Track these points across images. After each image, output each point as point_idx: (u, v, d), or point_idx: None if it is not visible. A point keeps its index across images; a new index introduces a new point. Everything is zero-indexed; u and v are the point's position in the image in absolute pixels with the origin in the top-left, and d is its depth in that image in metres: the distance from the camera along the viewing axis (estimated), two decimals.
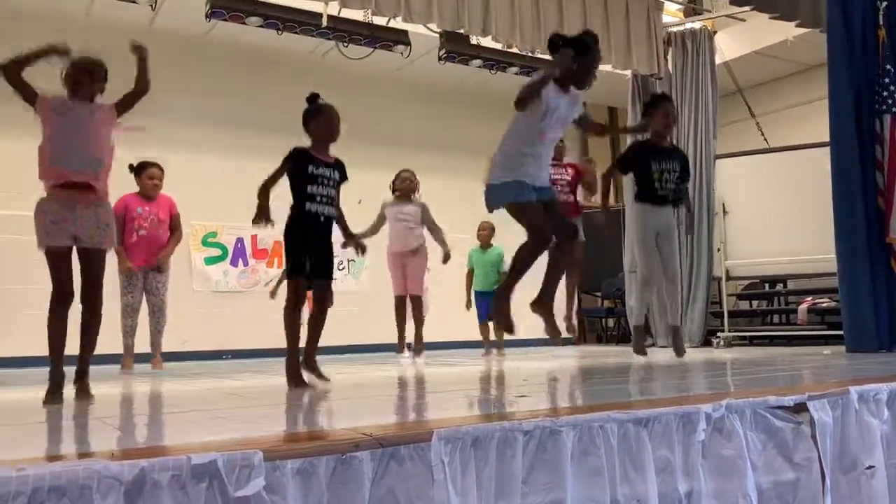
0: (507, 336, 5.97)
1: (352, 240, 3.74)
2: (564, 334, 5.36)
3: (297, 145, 3.49)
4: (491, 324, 6.48)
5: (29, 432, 2.16)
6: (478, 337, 6.58)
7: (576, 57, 3.54)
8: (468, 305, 6.38)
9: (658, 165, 4.69)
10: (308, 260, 3.41)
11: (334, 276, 3.63)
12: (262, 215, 3.37)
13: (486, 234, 6.31)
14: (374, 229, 5.79)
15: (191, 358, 6.65)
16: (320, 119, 3.50)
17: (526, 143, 3.51)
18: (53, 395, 2.88)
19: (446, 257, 5.80)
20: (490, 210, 3.63)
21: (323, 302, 3.49)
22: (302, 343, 3.49)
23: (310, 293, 3.55)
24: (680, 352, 5.06)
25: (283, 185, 3.48)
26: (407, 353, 5.83)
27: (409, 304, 5.84)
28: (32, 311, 6.38)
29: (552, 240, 3.53)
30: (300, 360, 3.44)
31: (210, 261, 7.73)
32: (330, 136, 3.51)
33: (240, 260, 7.88)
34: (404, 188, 5.77)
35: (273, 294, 6.23)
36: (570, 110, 3.63)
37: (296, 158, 3.43)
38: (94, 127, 3.09)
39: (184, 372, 5.10)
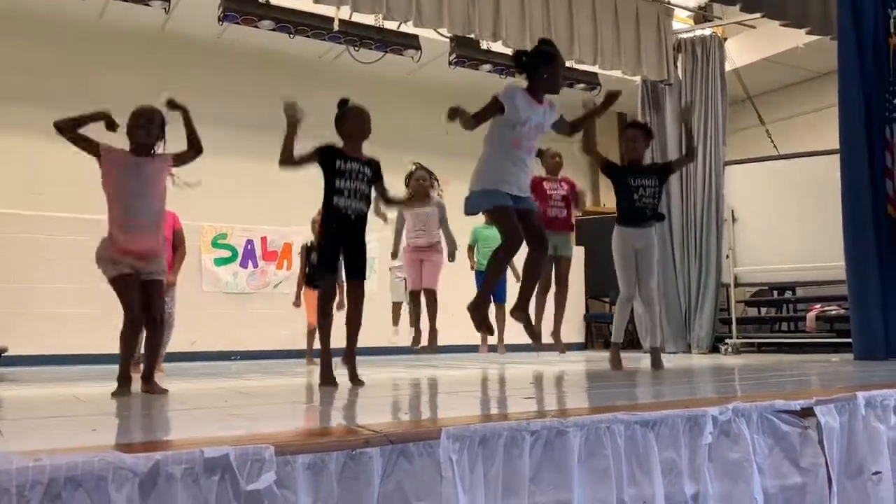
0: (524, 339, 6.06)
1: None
2: (551, 348, 5.55)
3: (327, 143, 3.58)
4: (493, 314, 6.56)
5: (46, 425, 2.20)
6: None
7: (542, 67, 3.65)
8: (473, 267, 6.59)
9: (634, 181, 4.88)
10: (341, 257, 3.49)
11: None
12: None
13: (489, 215, 6.33)
14: (398, 236, 5.85)
15: (199, 359, 6.68)
16: (351, 117, 3.63)
17: (503, 151, 3.59)
18: (121, 392, 3.14)
19: (451, 255, 5.84)
20: (467, 213, 3.76)
21: (357, 300, 3.53)
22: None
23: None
24: (656, 368, 5.01)
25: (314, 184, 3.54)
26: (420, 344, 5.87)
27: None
28: (45, 309, 6.54)
29: (521, 243, 3.63)
30: (332, 358, 3.52)
31: (220, 262, 7.77)
32: (361, 134, 3.63)
33: (249, 262, 7.92)
34: (420, 190, 5.72)
35: (297, 303, 6.32)
36: (544, 118, 3.69)
37: (324, 153, 3.51)
38: (154, 180, 3.28)
39: (193, 372, 5.13)
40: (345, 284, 3.61)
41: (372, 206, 3.74)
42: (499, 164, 3.58)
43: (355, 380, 3.48)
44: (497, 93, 3.62)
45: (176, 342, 5.73)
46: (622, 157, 5.23)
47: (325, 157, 3.51)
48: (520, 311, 3.78)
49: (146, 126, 3.25)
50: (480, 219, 6.54)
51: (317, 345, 6.35)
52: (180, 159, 3.38)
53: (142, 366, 3.38)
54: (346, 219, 3.47)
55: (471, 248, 6.69)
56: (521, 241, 3.60)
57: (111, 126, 3.23)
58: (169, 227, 5.44)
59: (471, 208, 3.74)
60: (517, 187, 3.61)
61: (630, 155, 5.10)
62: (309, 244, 6.30)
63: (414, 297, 5.88)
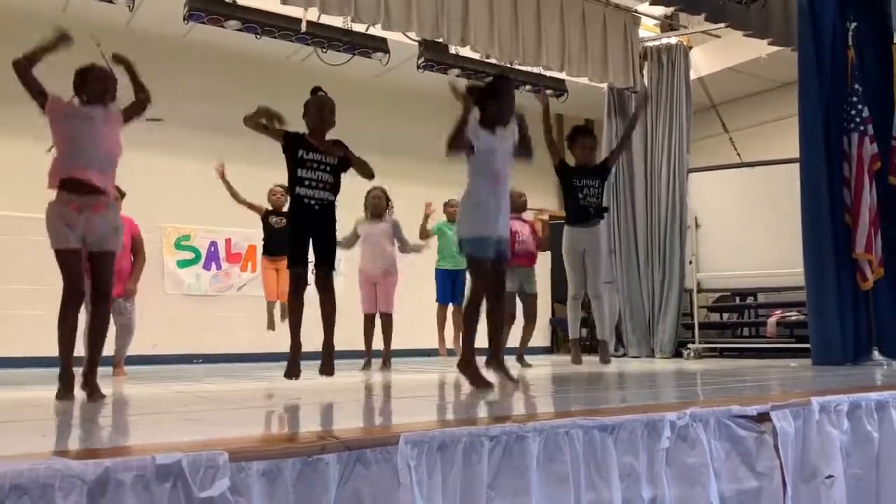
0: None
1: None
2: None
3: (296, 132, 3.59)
4: (450, 313, 6.61)
5: None
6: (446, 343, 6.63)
7: (488, 101, 3.62)
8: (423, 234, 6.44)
9: (579, 181, 5.38)
10: (308, 248, 3.49)
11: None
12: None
13: (453, 211, 6.30)
14: (350, 244, 5.79)
15: (161, 362, 6.59)
16: (310, 108, 3.66)
17: (486, 182, 3.55)
18: (63, 395, 2.97)
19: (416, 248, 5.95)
20: (463, 253, 3.73)
21: (326, 289, 3.52)
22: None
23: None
24: (604, 361, 5.59)
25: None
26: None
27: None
28: (23, 312, 6.39)
29: (491, 298, 3.62)
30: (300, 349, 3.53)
31: (183, 264, 7.67)
32: (320, 126, 3.62)
33: (213, 264, 7.83)
34: (374, 207, 5.75)
35: (271, 326, 6.34)
36: (506, 145, 3.70)
37: (288, 139, 3.52)
38: (105, 127, 3.14)
39: (153, 376, 5.05)
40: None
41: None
42: (485, 204, 3.54)
43: (329, 369, 3.50)
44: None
45: (137, 345, 5.64)
46: (576, 160, 5.56)
47: (288, 143, 3.53)
48: (496, 362, 3.68)
49: (100, 89, 3.12)
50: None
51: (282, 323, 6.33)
52: (129, 111, 3.25)
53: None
54: (309, 209, 3.49)
55: (427, 234, 6.54)
56: (483, 297, 3.57)
57: (65, 38, 3.09)
58: (127, 233, 5.28)
59: (466, 249, 3.65)
60: (500, 228, 3.59)
61: (584, 161, 5.48)
62: (267, 210, 6.41)
63: (367, 319, 5.81)
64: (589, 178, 5.41)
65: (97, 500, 1.34)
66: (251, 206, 6.51)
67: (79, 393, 3.05)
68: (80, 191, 3.03)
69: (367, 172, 3.88)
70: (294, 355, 3.48)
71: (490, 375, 3.51)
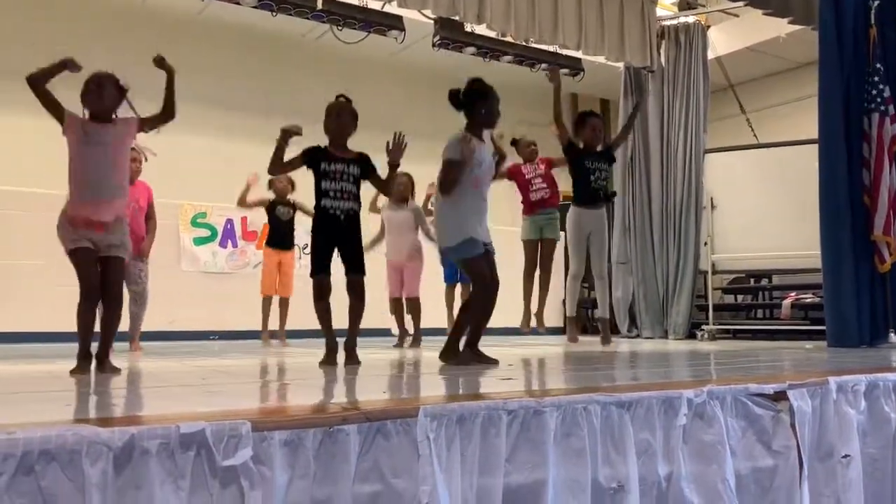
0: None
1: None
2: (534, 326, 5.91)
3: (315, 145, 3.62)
4: (458, 294, 6.59)
5: (22, 400, 2.18)
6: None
7: (479, 102, 3.65)
8: None
9: (591, 164, 5.39)
10: (334, 256, 3.55)
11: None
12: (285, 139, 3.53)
13: None
14: (377, 239, 5.85)
15: (178, 338, 6.65)
16: (331, 114, 3.65)
17: (469, 196, 3.57)
18: (81, 370, 3.05)
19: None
20: (448, 262, 3.76)
21: (357, 295, 3.58)
22: None
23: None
24: (605, 341, 5.63)
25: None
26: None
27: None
28: (22, 286, 6.45)
29: (498, 284, 3.65)
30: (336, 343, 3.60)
31: (199, 241, 7.71)
32: (338, 133, 3.62)
33: (229, 241, 7.87)
34: (398, 193, 5.69)
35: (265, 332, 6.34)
36: (487, 154, 3.73)
37: (309, 156, 3.54)
38: (118, 151, 3.19)
39: (171, 351, 5.10)
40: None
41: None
42: (468, 211, 3.58)
43: (352, 358, 3.53)
44: (449, 155, 3.59)
45: (154, 321, 5.70)
46: (585, 142, 5.53)
47: (310, 159, 3.54)
48: (473, 349, 3.65)
49: (96, 91, 3.14)
50: None
51: (273, 320, 6.35)
52: (149, 122, 3.28)
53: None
54: (334, 220, 3.51)
55: None
56: (496, 284, 3.63)
57: (74, 66, 3.12)
58: (145, 198, 5.39)
59: (450, 255, 3.79)
60: (484, 234, 3.63)
61: (592, 142, 5.50)
62: (272, 200, 6.33)
63: (394, 303, 5.87)
64: (600, 161, 5.46)
65: (123, 467, 1.37)
66: (257, 204, 6.37)
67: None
68: (88, 225, 3.13)
69: (385, 192, 3.98)
70: (331, 350, 3.54)
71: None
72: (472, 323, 3.64)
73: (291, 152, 3.60)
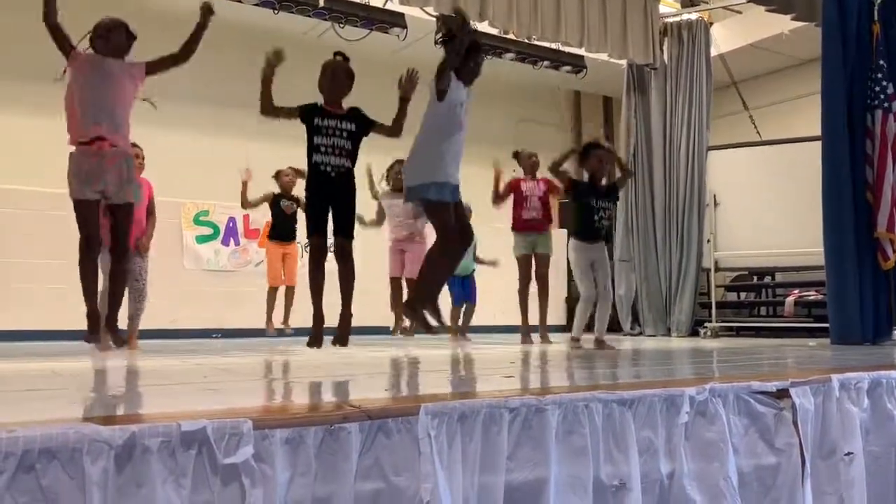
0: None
1: None
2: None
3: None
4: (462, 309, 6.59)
5: (21, 398, 2.17)
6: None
7: (472, 55, 3.66)
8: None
9: (596, 203, 5.14)
10: (327, 217, 3.50)
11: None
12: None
13: None
14: (379, 222, 5.85)
15: (179, 336, 6.65)
16: (322, 74, 3.69)
17: (445, 137, 3.52)
18: (93, 333, 3.10)
19: None
20: (406, 201, 3.69)
21: (344, 258, 3.53)
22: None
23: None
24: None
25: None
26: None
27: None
28: (21, 284, 6.47)
29: (459, 241, 3.60)
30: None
31: (201, 239, 7.72)
32: (333, 90, 3.63)
33: (231, 239, 7.87)
34: (396, 182, 5.73)
35: (269, 326, 6.32)
36: (468, 98, 3.67)
37: (305, 110, 3.53)
38: (121, 83, 3.20)
39: (171, 349, 5.10)
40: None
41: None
42: (444, 150, 3.51)
43: (343, 339, 3.51)
44: (431, 82, 3.57)
45: (156, 319, 5.70)
46: (591, 174, 5.26)
47: (305, 114, 3.54)
48: (417, 304, 3.58)
49: (105, 36, 3.19)
50: None
51: (278, 310, 6.36)
52: (158, 65, 3.32)
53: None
54: (325, 175, 3.49)
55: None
56: (456, 239, 3.56)
57: None
58: (146, 194, 5.43)
59: (412, 196, 3.61)
60: (455, 178, 3.56)
61: (599, 174, 5.28)
62: (276, 194, 6.32)
63: (393, 283, 5.88)
64: (605, 199, 5.29)
65: (124, 466, 1.37)
66: (261, 201, 6.38)
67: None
68: (95, 146, 3.12)
69: (393, 131, 3.82)
70: (317, 325, 3.51)
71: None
72: (427, 276, 3.51)
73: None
